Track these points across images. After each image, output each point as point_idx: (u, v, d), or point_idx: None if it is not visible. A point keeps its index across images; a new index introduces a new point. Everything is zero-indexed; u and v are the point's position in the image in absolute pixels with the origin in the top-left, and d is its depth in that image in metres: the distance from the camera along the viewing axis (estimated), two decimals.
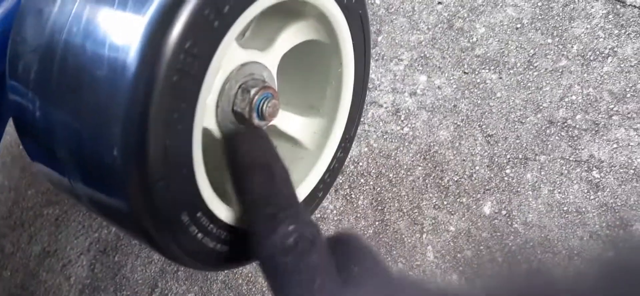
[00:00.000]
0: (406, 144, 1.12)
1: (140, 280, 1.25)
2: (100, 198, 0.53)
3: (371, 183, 1.11)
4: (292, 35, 0.64)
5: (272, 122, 0.64)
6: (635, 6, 1.10)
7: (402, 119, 1.14)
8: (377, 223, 1.09)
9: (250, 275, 1.16)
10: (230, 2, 0.48)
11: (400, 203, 1.08)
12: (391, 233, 1.07)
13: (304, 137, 0.74)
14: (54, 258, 1.35)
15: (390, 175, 1.11)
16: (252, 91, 0.59)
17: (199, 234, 0.56)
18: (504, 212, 1.02)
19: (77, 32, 0.49)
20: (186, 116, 0.49)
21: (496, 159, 1.06)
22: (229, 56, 0.55)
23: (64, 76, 0.50)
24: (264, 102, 0.60)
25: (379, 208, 1.10)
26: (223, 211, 0.59)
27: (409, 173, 1.10)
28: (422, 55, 1.17)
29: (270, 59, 0.62)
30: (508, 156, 1.05)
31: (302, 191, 0.72)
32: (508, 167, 1.04)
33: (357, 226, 1.11)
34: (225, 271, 1.19)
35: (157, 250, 0.56)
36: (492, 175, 1.05)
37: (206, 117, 0.59)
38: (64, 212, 1.40)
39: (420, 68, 1.17)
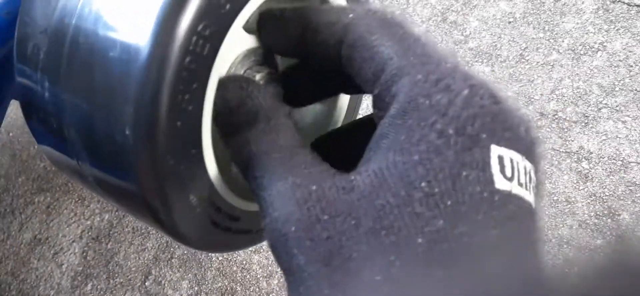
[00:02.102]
0: None
1: (134, 267, 1.25)
2: (109, 178, 0.54)
3: None
4: None
5: None
6: (624, 2, 1.13)
7: None
8: None
9: (244, 262, 1.17)
10: None
11: None
12: None
13: (305, 124, 0.75)
14: (45, 245, 1.34)
15: None
16: (257, 77, 0.60)
17: (206, 216, 0.57)
18: None
19: (89, 13, 0.49)
20: (197, 97, 0.50)
21: None
22: (235, 41, 0.56)
23: (75, 57, 0.50)
24: None
25: None
26: (229, 194, 0.60)
27: None
28: None
29: None
30: None
31: None
32: None
33: None
34: (220, 258, 1.20)
35: (164, 230, 0.56)
36: None
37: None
38: (55, 199, 1.39)
39: None
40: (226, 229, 0.62)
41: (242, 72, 0.62)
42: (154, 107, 0.47)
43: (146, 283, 1.21)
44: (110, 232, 1.29)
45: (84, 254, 1.28)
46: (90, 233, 1.30)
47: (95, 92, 0.48)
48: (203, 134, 0.53)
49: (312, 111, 0.80)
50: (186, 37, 0.47)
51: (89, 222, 1.31)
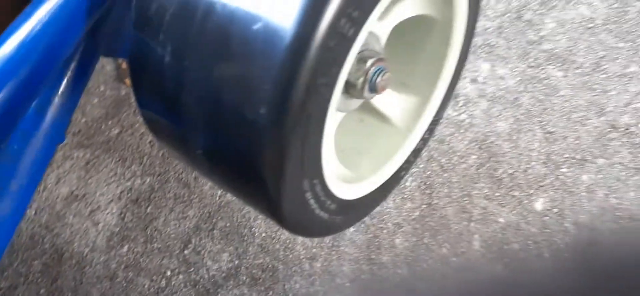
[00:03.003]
0: (462, 131, 1.11)
1: (173, 234, 1.23)
2: (225, 153, 0.51)
3: (421, 165, 1.10)
4: (409, 8, 0.62)
5: None
6: None
7: (460, 105, 1.13)
8: (424, 206, 1.09)
9: (288, 241, 1.16)
10: None
11: (450, 189, 1.08)
12: (438, 218, 1.07)
13: (395, 114, 0.72)
14: (82, 202, 1.33)
15: (443, 160, 1.10)
16: (368, 63, 0.57)
17: (309, 200, 0.54)
18: (555, 210, 1.02)
19: None
20: (332, 81, 0.47)
21: (553, 157, 1.05)
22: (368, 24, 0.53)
23: (208, 24, 0.47)
24: (378, 75, 0.58)
25: (427, 191, 1.09)
26: (334, 181, 0.58)
27: (462, 160, 1.09)
28: (487, 42, 1.15)
29: (383, 29, 0.60)
30: (566, 156, 1.05)
31: (389, 169, 0.71)
32: (564, 166, 1.04)
33: (403, 207, 1.10)
34: (263, 235, 1.18)
35: (267, 208, 0.54)
36: (547, 172, 1.04)
37: None
38: (95, 157, 1.37)
39: (484, 55, 1.15)
40: (322, 215, 0.60)
41: (359, 54, 0.58)
42: (294, 89, 0.44)
43: (185, 252, 1.20)
44: (151, 196, 1.27)
45: (122, 215, 1.26)
46: (129, 195, 1.28)
47: (230, 65, 0.45)
48: (327, 121, 0.50)
49: (403, 100, 0.76)
50: (335, 19, 0.44)
51: (129, 183, 1.29)
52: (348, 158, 0.68)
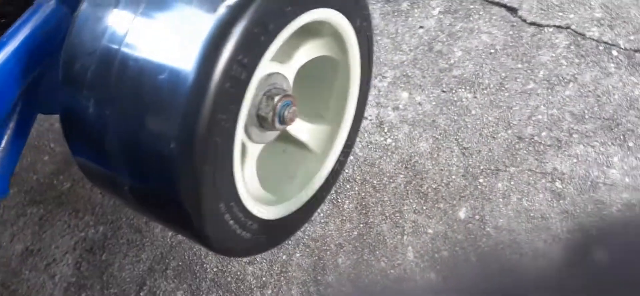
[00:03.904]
0: (389, 153, 1.22)
1: (128, 278, 1.28)
2: (147, 186, 0.59)
3: (356, 188, 1.20)
4: (309, 51, 0.73)
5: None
6: (593, 39, 1.24)
7: (385, 130, 1.24)
8: (361, 225, 1.18)
9: (239, 273, 1.22)
10: (274, 21, 0.56)
11: (383, 207, 1.17)
12: (374, 235, 1.15)
13: (312, 142, 0.82)
14: (37, 256, 1.36)
15: (374, 182, 1.20)
16: (276, 99, 0.67)
17: (230, 222, 0.63)
18: (477, 217, 1.13)
19: (138, 39, 0.55)
20: (232, 116, 0.57)
21: (471, 170, 1.17)
22: (263, 67, 0.63)
23: (123, 77, 0.56)
24: (285, 109, 0.67)
25: (364, 211, 1.19)
26: (250, 202, 0.66)
27: (391, 180, 1.19)
28: (405, 73, 1.28)
29: (290, 70, 0.70)
30: (481, 167, 1.16)
31: (309, 190, 0.80)
32: (481, 177, 1.16)
33: (343, 228, 1.19)
34: (214, 269, 1.24)
35: (193, 234, 0.62)
36: (466, 184, 1.15)
37: None
38: (48, 211, 1.41)
39: (403, 85, 1.27)
40: (245, 236, 0.69)
41: (261, 94, 0.69)
42: (197, 124, 0.53)
43: (141, 294, 1.24)
44: (105, 244, 1.32)
45: (78, 265, 1.30)
46: (84, 245, 1.32)
47: (143, 109, 0.54)
48: (235, 149, 0.60)
49: (318, 129, 0.86)
50: (228, 65, 0.54)
51: (83, 234, 1.34)
52: (273, 184, 0.77)
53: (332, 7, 0.67)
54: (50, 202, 1.41)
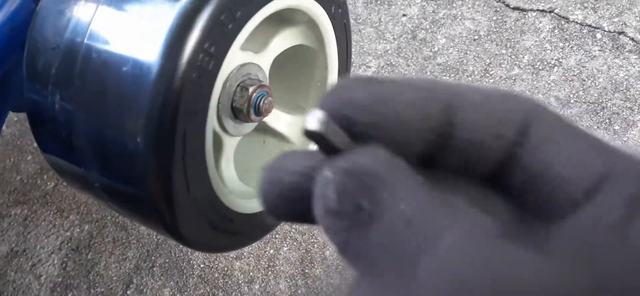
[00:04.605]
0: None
1: (115, 276, 1.26)
2: (117, 183, 0.58)
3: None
4: (284, 40, 0.71)
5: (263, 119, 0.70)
6: (577, 22, 1.23)
7: None
8: None
9: (226, 268, 1.21)
10: (242, 8, 0.55)
11: None
12: None
13: (291, 134, 0.81)
14: (22, 257, 1.34)
15: None
16: (250, 89, 0.65)
17: (205, 217, 0.61)
18: None
19: (101, 31, 0.53)
20: (202, 108, 0.55)
21: None
22: (234, 56, 0.61)
23: (87, 72, 0.54)
24: (260, 100, 0.66)
25: None
26: (225, 196, 0.65)
27: None
28: (389, 62, 1.26)
29: (264, 60, 0.68)
30: None
31: None
32: None
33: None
34: (202, 266, 1.23)
35: (166, 231, 0.61)
36: None
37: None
38: (33, 212, 1.39)
39: (387, 74, 1.26)
40: (222, 231, 0.67)
41: (235, 85, 0.67)
42: (164, 118, 0.51)
43: (128, 292, 1.23)
44: (91, 243, 1.30)
45: (64, 265, 1.28)
46: (69, 244, 1.31)
47: (107, 104, 0.53)
48: (206, 140, 0.58)
49: (298, 120, 0.85)
50: (194, 55, 0.52)
51: (68, 233, 1.32)
52: (253, 176, 0.75)
53: None
54: (34, 202, 1.39)
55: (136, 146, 0.51)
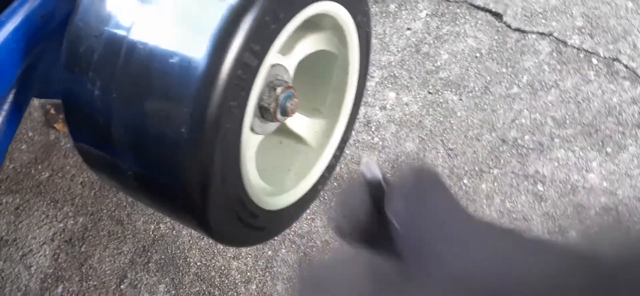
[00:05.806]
0: (376, 152, 1.23)
1: (109, 270, 1.25)
2: (153, 172, 0.59)
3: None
4: (308, 44, 0.73)
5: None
6: (574, 47, 1.29)
7: (372, 130, 1.26)
8: None
9: (223, 267, 1.21)
10: (284, 10, 0.57)
11: None
12: None
13: (308, 136, 0.82)
14: (12, 247, 1.32)
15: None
16: (278, 90, 0.67)
17: (234, 211, 0.63)
18: None
19: (148, 21, 0.54)
20: (243, 102, 0.57)
21: (455, 170, 1.19)
22: (269, 57, 0.63)
23: (131, 60, 0.55)
24: (287, 100, 0.68)
25: None
26: (254, 193, 0.66)
27: None
28: (392, 74, 1.30)
29: (290, 62, 0.70)
30: (466, 168, 1.19)
31: (306, 184, 0.81)
32: (466, 178, 1.18)
33: (329, 226, 1.20)
34: (198, 263, 1.23)
35: (194, 221, 0.62)
36: (451, 184, 1.18)
37: None
38: (25, 201, 1.37)
39: (390, 85, 1.29)
40: (247, 225, 0.69)
41: (264, 85, 0.69)
42: (209, 110, 0.53)
43: (121, 287, 1.22)
44: (85, 235, 1.29)
45: (56, 256, 1.27)
46: (62, 236, 1.29)
47: (151, 92, 0.54)
48: (243, 136, 0.60)
49: (315, 123, 0.87)
50: (241, 52, 0.54)
51: (61, 225, 1.30)
52: (270, 175, 0.77)
53: (337, 1, 0.68)
54: (27, 192, 1.37)
55: (179, 135, 0.52)
